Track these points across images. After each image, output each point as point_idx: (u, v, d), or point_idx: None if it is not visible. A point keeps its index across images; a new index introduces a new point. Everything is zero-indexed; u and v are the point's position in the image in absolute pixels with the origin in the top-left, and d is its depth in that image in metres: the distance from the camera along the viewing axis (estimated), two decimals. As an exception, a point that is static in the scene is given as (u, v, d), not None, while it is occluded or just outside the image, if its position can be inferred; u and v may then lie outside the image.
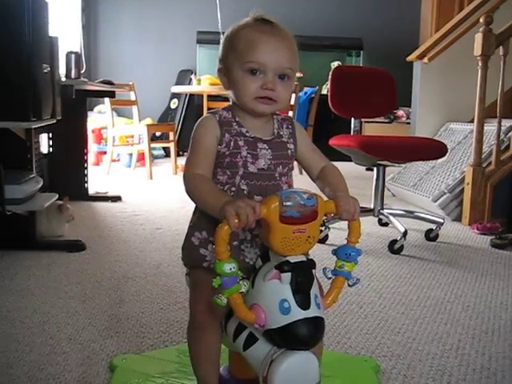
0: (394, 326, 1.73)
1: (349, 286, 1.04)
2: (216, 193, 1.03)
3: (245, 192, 1.07)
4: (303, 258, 0.96)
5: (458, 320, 1.79)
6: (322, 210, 0.96)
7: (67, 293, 1.99)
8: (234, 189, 1.07)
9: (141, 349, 1.55)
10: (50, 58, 2.36)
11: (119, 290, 2.02)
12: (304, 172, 1.21)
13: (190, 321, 1.13)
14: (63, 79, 2.95)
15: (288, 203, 0.93)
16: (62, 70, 3.02)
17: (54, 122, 2.51)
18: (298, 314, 0.93)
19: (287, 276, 0.93)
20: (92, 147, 5.92)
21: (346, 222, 1.03)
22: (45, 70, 2.23)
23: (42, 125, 2.33)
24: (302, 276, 0.94)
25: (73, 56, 3.01)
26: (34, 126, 2.26)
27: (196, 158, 1.07)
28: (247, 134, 1.08)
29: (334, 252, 1.03)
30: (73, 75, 3.02)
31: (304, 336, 0.92)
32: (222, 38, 1.10)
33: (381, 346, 1.58)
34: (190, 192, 1.05)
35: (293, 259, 0.94)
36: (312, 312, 0.94)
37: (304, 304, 0.93)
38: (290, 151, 1.13)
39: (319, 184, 1.13)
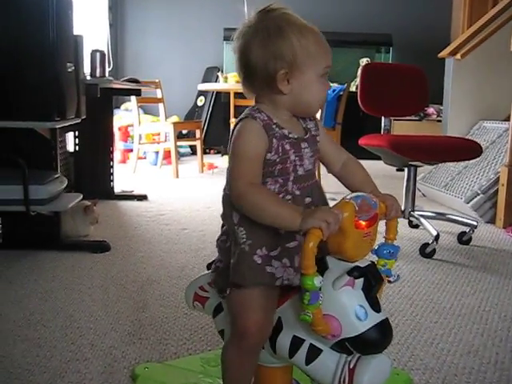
0: (427, 336, 1.66)
1: (389, 282, 1.03)
2: (286, 203, 0.99)
3: (299, 198, 1.03)
4: (369, 262, 0.95)
5: (496, 331, 1.70)
6: (380, 211, 0.97)
7: (90, 295, 1.96)
8: (289, 197, 1.01)
9: (163, 357, 1.50)
10: (75, 57, 2.32)
11: (143, 294, 1.98)
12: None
13: (235, 343, 1.05)
14: (88, 78, 2.93)
15: (359, 208, 0.92)
16: (88, 69, 3.00)
17: (79, 121, 2.49)
18: (374, 318, 0.92)
19: (360, 281, 0.91)
20: (118, 145, 5.93)
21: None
22: (69, 69, 2.20)
23: (66, 125, 2.31)
24: (375, 279, 0.93)
25: (98, 54, 2.98)
26: (57, 126, 2.23)
27: (248, 167, 0.97)
28: (290, 136, 1.02)
29: (375, 252, 1.01)
30: (98, 74, 2.99)
31: (382, 339, 0.92)
32: (272, 35, 0.99)
33: (413, 358, 1.51)
34: (251, 205, 0.95)
35: (361, 264, 0.94)
36: (383, 313, 0.94)
37: (377, 307, 0.93)
38: (318, 144, 1.09)
39: (346, 179, 1.11)
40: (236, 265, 1.01)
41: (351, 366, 0.93)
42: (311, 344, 0.97)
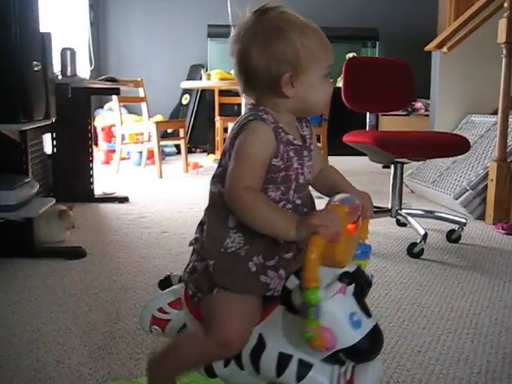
0: (414, 343, 1.57)
1: None
2: (283, 211, 0.94)
3: (300, 207, 0.98)
4: (355, 265, 0.89)
5: (486, 336, 1.62)
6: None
7: (61, 306, 1.86)
8: (289, 206, 0.97)
9: (134, 373, 1.41)
10: (42, 55, 2.20)
11: (116, 303, 1.88)
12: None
13: (206, 347, 0.99)
14: (60, 77, 2.81)
15: (348, 210, 0.88)
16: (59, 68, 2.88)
17: (48, 122, 2.37)
18: (368, 324, 0.87)
19: (351, 287, 0.86)
20: (102, 145, 5.82)
21: None
22: (35, 68, 2.08)
23: (34, 126, 2.20)
24: (365, 283, 0.88)
25: (68, 53, 2.85)
26: (24, 128, 2.12)
27: (252, 171, 0.93)
28: (295, 142, 0.97)
29: None
30: (69, 73, 2.86)
31: (377, 345, 0.87)
32: (272, 37, 0.94)
33: (400, 369, 1.42)
34: (246, 209, 0.90)
35: (349, 268, 0.87)
36: (373, 318, 0.89)
37: (368, 312, 0.88)
38: (312, 152, 1.04)
39: (319, 181, 1.07)
40: (223, 267, 0.95)
41: (347, 378, 0.87)
42: (300, 359, 0.90)
